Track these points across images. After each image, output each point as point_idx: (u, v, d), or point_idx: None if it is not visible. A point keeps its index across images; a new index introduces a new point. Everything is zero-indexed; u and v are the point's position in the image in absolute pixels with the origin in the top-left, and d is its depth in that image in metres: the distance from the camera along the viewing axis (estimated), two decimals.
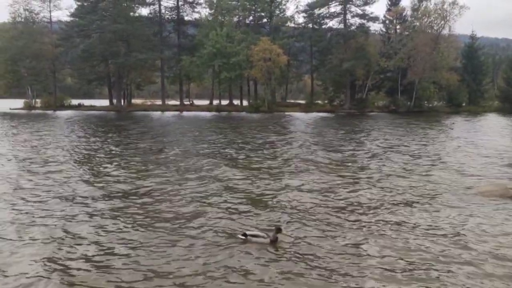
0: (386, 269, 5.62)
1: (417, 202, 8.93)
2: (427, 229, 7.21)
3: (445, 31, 57.56)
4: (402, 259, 5.95)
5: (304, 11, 61.54)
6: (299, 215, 8.01)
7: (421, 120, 38.45)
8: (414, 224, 7.51)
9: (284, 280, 5.33)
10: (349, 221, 7.66)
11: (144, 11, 74.62)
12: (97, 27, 54.36)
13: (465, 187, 10.26)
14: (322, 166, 13.57)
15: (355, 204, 8.84)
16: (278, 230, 6.53)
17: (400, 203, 8.87)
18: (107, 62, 57.80)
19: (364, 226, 7.38)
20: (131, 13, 58.99)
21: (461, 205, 8.67)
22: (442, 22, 56.19)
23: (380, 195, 9.60)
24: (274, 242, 6.46)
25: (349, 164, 14.11)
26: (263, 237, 6.55)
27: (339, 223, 7.56)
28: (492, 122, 38.45)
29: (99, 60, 58.73)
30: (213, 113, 52.90)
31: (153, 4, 61.38)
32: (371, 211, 8.33)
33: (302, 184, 10.63)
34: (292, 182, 10.87)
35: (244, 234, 6.66)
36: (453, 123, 36.11)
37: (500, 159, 15.11)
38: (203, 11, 64.44)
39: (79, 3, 58.18)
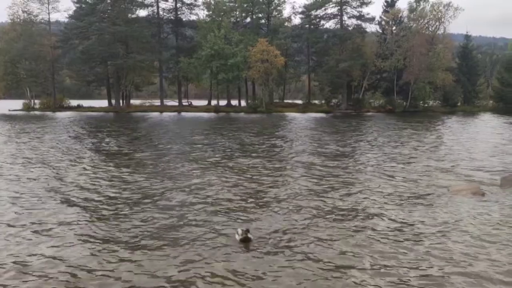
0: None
1: (392, 202, 9.50)
2: (397, 229, 7.81)
3: (440, 32, 58.44)
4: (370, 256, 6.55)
5: (301, 12, 62.21)
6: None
7: (415, 121, 39.04)
8: (388, 222, 8.10)
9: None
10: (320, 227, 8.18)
11: (142, 12, 74.86)
12: (95, 29, 54.90)
13: (441, 186, 10.86)
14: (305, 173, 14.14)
15: (329, 209, 9.40)
16: (247, 231, 7.04)
17: (378, 202, 9.45)
18: (106, 63, 58.38)
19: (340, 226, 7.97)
20: (130, 15, 59.56)
21: (433, 204, 9.27)
22: (437, 23, 57.00)
23: (360, 196, 10.18)
24: (244, 241, 6.91)
25: (332, 166, 14.66)
26: (238, 234, 7.07)
27: (312, 225, 8.12)
28: (483, 122, 38.93)
29: (98, 62, 59.26)
30: (212, 114, 53.45)
31: (151, 6, 61.95)
32: (349, 214, 8.91)
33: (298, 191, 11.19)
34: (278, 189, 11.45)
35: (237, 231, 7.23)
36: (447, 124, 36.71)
37: (477, 160, 15.65)
38: (201, 13, 65.02)
39: (77, 5, 58.72)
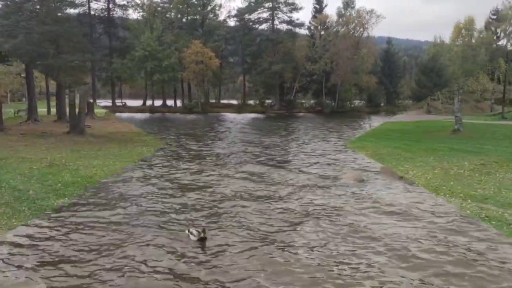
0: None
1: (300, 188, 11.46)
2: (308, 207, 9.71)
3: (365, 36, 63.02)
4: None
5: (235, 15, 64.09)
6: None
7: (337, 121, 42.42)
8: (298, 202, 9.97)
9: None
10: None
11: (74, 12, 72.89)
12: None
13: (335, 177, 13.06)
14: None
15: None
16: (203, 231, 7.75)
17: (287, 191, 11.35)
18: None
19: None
20: (60, 14, 57.87)
21: (326, 188, 11.35)
22: (361, 29, 61.53)
23: (274, 188, 12.02)
24: (200, 240, 7.61)
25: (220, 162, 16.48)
26: (194, 235, 7.80)
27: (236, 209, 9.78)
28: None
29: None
30: (146, 114, 53.69)
31: (83, 6, 60.74)
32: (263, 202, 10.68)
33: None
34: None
35: (188, 230, 7.95)
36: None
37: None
38: (134, 14, 64.79)
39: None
